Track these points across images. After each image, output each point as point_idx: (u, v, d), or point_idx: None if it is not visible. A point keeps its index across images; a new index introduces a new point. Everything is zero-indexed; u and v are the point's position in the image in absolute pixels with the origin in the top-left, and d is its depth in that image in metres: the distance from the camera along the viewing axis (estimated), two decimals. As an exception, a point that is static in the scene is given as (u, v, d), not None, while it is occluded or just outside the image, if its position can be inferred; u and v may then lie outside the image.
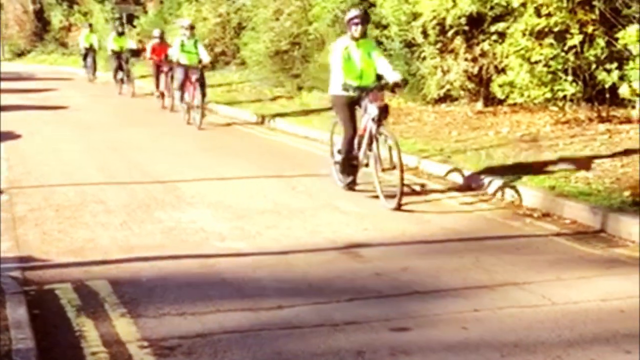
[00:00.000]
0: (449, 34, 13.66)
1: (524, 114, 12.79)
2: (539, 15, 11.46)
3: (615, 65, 10.85)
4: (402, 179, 8.39)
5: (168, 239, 7.50)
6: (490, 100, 13.78)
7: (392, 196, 8.52)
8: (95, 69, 27.23)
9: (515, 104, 12.80)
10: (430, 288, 6.00)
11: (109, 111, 19.25)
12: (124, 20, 30.11)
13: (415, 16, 14.18)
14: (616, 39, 10.42)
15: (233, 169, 10.86)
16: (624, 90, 10.50)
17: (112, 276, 6.34)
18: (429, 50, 14.24)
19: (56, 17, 41.41)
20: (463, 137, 11.87)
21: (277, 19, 19.61)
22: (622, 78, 10.57)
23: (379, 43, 15.91)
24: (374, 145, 8.83)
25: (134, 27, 31.65)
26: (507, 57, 12.18)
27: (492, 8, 12.69)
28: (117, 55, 22.03)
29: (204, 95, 15.51)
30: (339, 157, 9.45)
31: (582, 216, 7.83)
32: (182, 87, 16.05)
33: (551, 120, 11.99)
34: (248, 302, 5.74)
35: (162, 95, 19.09)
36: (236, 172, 10.63)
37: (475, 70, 13.71)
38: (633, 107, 10.33)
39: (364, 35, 9.05)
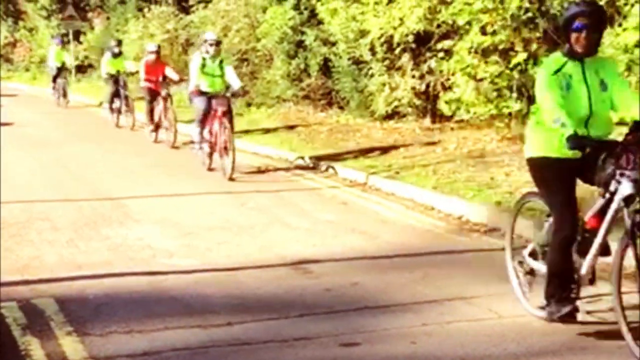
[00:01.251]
0: (397, 51, 13.80)
1: (471, 130, 12.95)
2: (484, 33, 11.65)
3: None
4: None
5: (115, 256, 7.43)
6: (438, 117, 13.93)
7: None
8: (66, 92, 23.35)
9: (462, 121, 12.96)
10: (380, 303, 6.03)
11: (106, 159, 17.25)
12: (70, 37, 29.79)
13: (363, 34, 14.29)
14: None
15: (182, 186, 10.80)
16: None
17: (59, 294, 6.25)
18: (377, 67, 14.36)
19: (1, 33, 40.90)
20: (411, 153, 11.97)
21: (226, 35, 19.57)
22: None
23: (328, 60, 16.04)
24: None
25: (80, 43, 31.35)
26: (453, 74, 12.34)
27: (438, 26, 12.86)
28: (114, 79, 18.37)
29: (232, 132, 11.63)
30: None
31: (528, 231, 7.92)
32: (202, 122, 12.10)
33: (497, 136, 12.16)
34: (197, 319, 5.71)
35: (157, 127, 15.62)
36: (185, 189, 10.57)
37: (423, 87, 13.86)
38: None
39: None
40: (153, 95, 15.59)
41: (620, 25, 9.22)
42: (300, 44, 16.97)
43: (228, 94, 11.86)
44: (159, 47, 16.47)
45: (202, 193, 10.35)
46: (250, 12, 19.21)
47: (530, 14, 11.26)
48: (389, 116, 14.70)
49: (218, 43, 12.48)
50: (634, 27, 8.78)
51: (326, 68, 16.39)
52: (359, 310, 5.89)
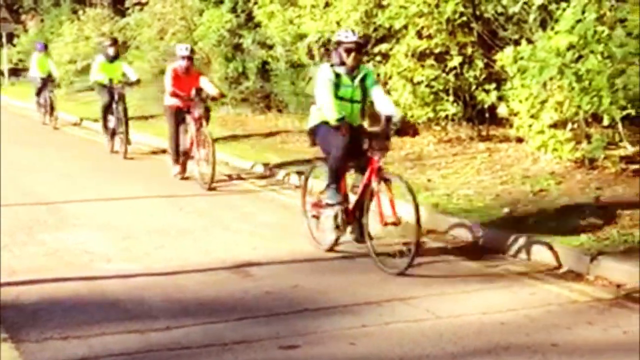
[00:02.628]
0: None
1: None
2: (420, 37, 11.78)
3: (493, 85, 11.24)
4: None
5: (52, 261, 7.32)
6: (377, 120, 14.02)
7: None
8: (53, 108, 18.51)
9: (399, 123, 13.06)
10: (320, 305, 6.07)
11: None
12: (4, 39, 29.22)
13: (301, 37, 14.33)
14: (494, 61, 10.80)
15: (119, 190, 10.69)
16: (502, 110, 10.90)
17: (-6, 301, 6.15)
18: (315, 70, 14.40)
19: None
20: (349, 156, 12.02)
21: (162, 38, 19.46)
22: (500, 98, 10.96)
23: (266, 63, 16.03)
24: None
25: (14, 45, 30.78)
26: (390, 77, 12.45)
27: (375, 30, 12.95)
28: (108, 90, 14.09)
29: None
30: None
31: (464, 232, 8.06)
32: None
33: (434, 139, 12.31)
34: (135, 323, 5.67)
35: (184, 165, 11.54)
36: (123, 193, 10.47)
37: (361, 90, 13.93)
38: (511, 126, 10.71)
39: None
40: (181, 115, 11.35)
41: (552, 29, 9.41)
42: (237, 47, 16.94)
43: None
44: (192, 50, 11.80)
45: (141, 197, 10.27)
46: (186, 14, 19.11)
47: (465, 18, 11.43)
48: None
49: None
50: (566, 31, 8.96)
51: (264, 71, 16.40)
52: (299, 312, 5.92)
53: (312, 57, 14.32)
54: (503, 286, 6.48)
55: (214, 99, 11.56)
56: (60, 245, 7.86)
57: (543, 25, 10.03)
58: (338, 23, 13.13)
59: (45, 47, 19.88)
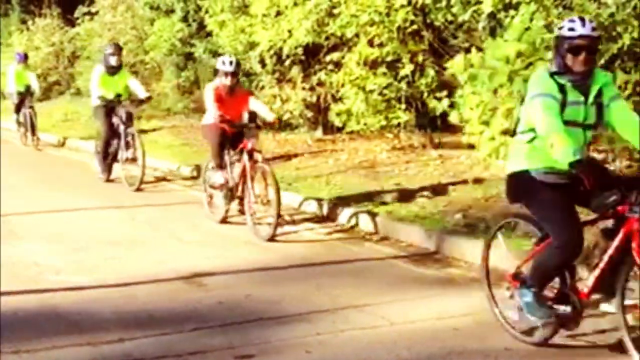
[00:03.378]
0: (286, 63, 13.87)
1: (362, 141, 13.12)
2: (371, 45, 11.83)
3: (445, 93, 11.33)
4: None
5: None
6: (329, 128, 14.06)
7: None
8: (34, 126, 16.42)
9: (353, 132, 13.12)
10: (274, 314, 6.04)
11: None
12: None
13: (252, 46, 14.31)
14: (445, 69, 10.89)
15: (69, 201, 10.54)
16: (453, 118, 10.99)
17: (-61, 316, 6.01)
18: (267, 79, 14.40)
19: None
20: (303, 165, 12.04)
21: (113, 48, 19.28)
22: (451, 106, 11.03)
23: (217, 72, 15.95)
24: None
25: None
26: (343, 86, 12.48)
27: (327, 38, 12.98)
28: (108, 109, 11.67)
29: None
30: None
31: (418, 239, 8.10)
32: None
33: (387, 147, 12.36)
34: (87, 336, 5.59)
35: (231, 200, 9.31)
36: (73, 204, 10.33)
37: (314, 99, 13.97)
38: (463, 133, 10.80)
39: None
40: (226, 144, 9.16)
41: (501, 37, 9.51)
42: (189, 56, 16.86)
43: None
44: (238, 64, 9.31)
45: (92, 208, 10.13)
46: (137, 24, 18.98)
47: (415, 27, 11.51)
48: (280, 128, 14.75)
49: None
50: (515, 39, 9.06)
51: (216, 80, 16.31)
52: (253, 322, 5.88)
53: (264, 65, 14.31)
54: (456, 292, 6.52)
55: (270, 125, 9.67)
56: (9, 257, 7.71)
57: (492, 33, 10.13)
58: (290, 32, 13.15)
59: (26, 57, 17.32)
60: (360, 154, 12.34)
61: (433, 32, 11.56)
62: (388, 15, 11.52)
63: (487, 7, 9.64)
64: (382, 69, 11.87)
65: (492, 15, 9.90)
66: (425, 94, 11.63)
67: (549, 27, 8.96)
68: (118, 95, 11.68)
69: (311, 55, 13.66)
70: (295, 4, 13.15)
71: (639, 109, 8.41)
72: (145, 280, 6.95)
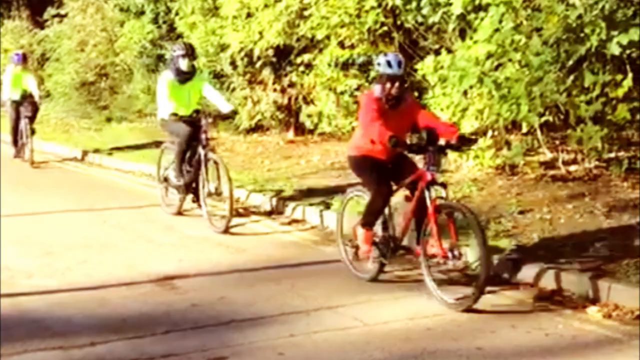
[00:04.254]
0: (257, 65, 13.87)
1: (333, 143, 13.14)
2: (342, 47, 11.87)
3: (415, 94, 11.37)
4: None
5: (-30, 279, 7.12)
6: (301, 130, 14.08)
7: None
8: (28, 137, 13.87)
9: (324, 133, 13.14)
10: (247, 316, 6.04)
11: None
12: None
13: (223, 47, 14.29)
14: (415, 70, 10.94)
15: (40, 204, 10.46)
16: (424, 119, 11.03)
17: None
18: (238, 81, 14.38)
19: None
20: (275, 166, 12.04)
21: (83, 50, 19.17)
22: (423, 106, 11.09)
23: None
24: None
25: None
26: (314, 87, 12.50)
27: (298, 40, 13.00)
28: (187, 124, 9.30)
29: None
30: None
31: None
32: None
33: (358, 148, 12.37)
34: (58, 340, 5.56)
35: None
36: (44, 207, 10.25)
37: (285, 100, 13.98)
38: (433, 134, 10.84)
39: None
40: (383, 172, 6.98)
41: (471, 38, 9.59)
42: (160, 58, 16.79)
43: None
44: (399, 63, 6.73)
45: (62, 211, 10.06)
46: (107, 26, 18.87)
47: (386, 28, 11.56)
48: (252, 129, 14.75)
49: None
50: (484, 40, 9.15)
51: (188, 82, 16.26)
52: (226, 324, 5.88)
53: (235, 67, 14.29)
54: (429, 292, 6.55)
55: (459, 148, 7.27)
56: (-21, 262, 7.65)
57: (462, 34, 10.21)
58: (260, 33, 13.15)
59: (24, 58, 14.77)
60: (332, 155, 12.36)
61: (403, 33, 11.61)
62: (358, 16, 11.57)
63: (456, 8, 9.72)
64: (353, 71, 11.92)
65: (461, 17, 9.98)
66: (396, 95, 11.66)
67: (518, 29, 9.06)
68: (196, 112, 9.33)
69: (282, 57, 13.67)
70: (266, 6, 13.16)
71: (606, 110, 8.57)
72: (117, 284, 6.92)
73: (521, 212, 8.19)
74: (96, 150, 14.96)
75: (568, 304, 6.14)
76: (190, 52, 9.51)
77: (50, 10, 20.58)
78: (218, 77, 15.04)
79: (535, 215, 8.05)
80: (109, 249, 8.17)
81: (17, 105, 14.07)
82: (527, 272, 6.71)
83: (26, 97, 14.04)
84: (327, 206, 9.24)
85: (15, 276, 7.19)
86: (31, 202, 10.64)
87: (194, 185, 9.42)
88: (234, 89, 14.57)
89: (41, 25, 22.23)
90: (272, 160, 12.58)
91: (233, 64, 14.28)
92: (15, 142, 14.33)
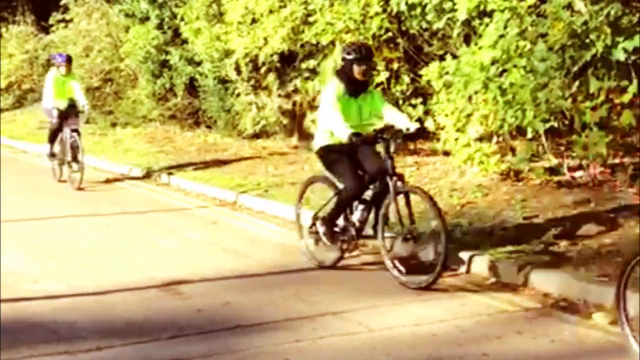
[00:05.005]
0: (262, 70, 13.88)
1: (337, 148, 13.13)
2: (347, 53, 11.86)
3: (420, 100, 11.37)
4: None
5: (-24, 283, 7.13)
6: (305, 135, 14.07)
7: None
8: (76, 156, 11.98)
9: (328, 139, 13.12)
10: (252, 321, 6.04)
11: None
12: None
13: (228, 53, 14.31)
14: (420, 76, 10.94)
15: (46, 209, 10.48)
16: (429, 124, 11.05)
17: None
18: (243, 86, 14.40)
19: None
20: (280, 172, 12.05)
21: (88, 55, 19.18)
22: (427, 112, 11.09)
23: (193, 79, 15.93)
24: None
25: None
26: (318, 93, 12.50)
27: (302, 46, 13.01)
28: (351, 150, 7.19)
29: None
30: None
31: (395, 244, 8.11)
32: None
33: (363, 153, 12.37)
34: (64, 345, 5.57)
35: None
36: (49, 212, 10.26)
37: (289, 106, 13.99)
38: (438, 140, 10.85)
39: None
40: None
41: (476, 44, 9.59)
42: (164, 64, 16.81)
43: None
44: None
45: (67, 216, 10.08)
46: (112, 31, 18.89)
47: (390, 34, 11.56)
48: (256, 135, 14.75)
49: None
50: (489, 46, 9.14)
51: (192, 87, 16.30)
52: (231, 329, 5.88)
53: (239, 73, 14.31)
54: (434, 298, 6.55)
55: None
56: (-16, 267, 7.66)
57: (467, 40, 10.20)
58: (265, 39, 13.16)
59: (69, 60, 12.76)
60: (337, 160, 12.33)
61: (408, 39, 11.61)
62: (363, 22, 11.56)
63: (461, 14, 9.71)
64: (358, 77, 11.90)
65: (466, 23, 9.98)
66: (401, 101, 11.66)
67: (522, 34, 9.05)
68: (381, 131, 7.17)
69: (287, 63, 13.69)
70: (271, 12, 13.17)
71: (612, 116, 8.56)
72: (123, 289, 6.93)
73: (526, 218, 8.17)
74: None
75: (574, 310, 6.12)
76: (365, 56, 7.24)
77: (56, 16, 20.61)
78: (223, 82, 15.07)
79: (540, 221, 8.03)
80: (114, 253, 8.18)
81: (62, 115, 12.21)
82: (532, 278, 6.70)
83: (72, 106, 12.23)
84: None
85: (20, 281, 7.21)
86: (34, 206, 10.65)
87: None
88: (238, 95, 14.59)
89: (46, 31, 22.28)
90: (277, 165, 12.58)
91: (238, 69, 14.30)
92: (53, 156, 12.60)
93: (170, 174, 12.59)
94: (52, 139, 12.47)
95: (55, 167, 12.67)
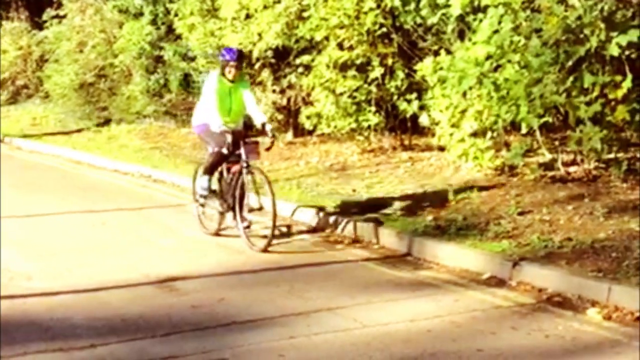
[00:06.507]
0: (256, 66, 13.86)
1: (332, 144, 13.14)
2: (341, 48, 11.86)
3: (414, 95, 11.37)
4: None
5: (-30, 281, 7.12)
6: (300, 131, 14.07)
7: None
8: (243, 200, 8.42)
9: (323, 134, 13.14)
10: (247, 318, 6.04)
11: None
12: None
13: (222, 49, 14.26)
14: (414, 71, 10.94)
15: (40, 206, 10.46)
16: (424, 120, 11.06)
17: None
18: (238, 82, 14.37)
19: None
20: (275, 167, 12.03)
21: (81, 51, 19.13)
22: (422, 108, 11.10)
23: (188, 75, 15.90)
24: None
25: None
26: (313, 89, 12.50)
27: (297, 41, 12.99)
28: None
29: None
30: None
31: (390, 241, 8.14)
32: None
33: (358, 149, 12.39)
34: (59, 342, 5.57)
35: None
36: (43, 209, 10.24)
37: (284, 102, 13.97)
38: (432, 135, 10.85)
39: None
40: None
41: (470, 39, 9.59)
42: (159, 59, 16.77)
43: None
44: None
45: (62, 213, 10.06)
46: (106, 27, 18.83)
47: (385, 29, 11.55)
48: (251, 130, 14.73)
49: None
50: (483, 42, 9.15)
51: (187, 83, 16.26)
52: (226, 326, 5.89)
53: (234, 68, 14.28)
54: (429, 293, 6.56)
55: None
56: (-21, 264, 7.65)
57: (461, 36, 10.20)
58: (259, 35, 13.15)
59: (240, 58, 8.82)
60: (331, 156, 12.36)
61: (402, 35, 11.60)
62: (357, 18, 11.56)
63: (455, 10, 9.72)
64: (352, 72, 11.90)
65: (460, 18, 9.98)
66: (395, 97, 11.67)
67: (517, 30, 9.06)
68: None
69: (281, 58, 13.67)
70: (265, 7, 13.15)
71: (606, 111, 8.57)
72: (118, 286, 6.92)
73: (520, 214, 8.19)
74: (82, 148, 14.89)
75: (568, 305, 6.14)
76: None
77: (49, 12, 20.53)
78: (217, 78, 15.05)
79: (534, 217, 8.04)
80: (109, 250, 8.17)
81: (231, 139, 8.33)
82: (527, 274, 6.71)
83: (248, 126, 8.99)
84: (322, 209, 9.25)
85: (15, 278, 7.19)
86: (29, 203, 10.64)
87: None
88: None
89: (40, 27, 22.20)
90: (272, 161, 12.56)
91: (232, 65, 14.26)
92: (209, 195, 8.74)
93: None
94: (212, 170, 8.72)
95: (207, 213, 8.90)
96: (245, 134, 8.79)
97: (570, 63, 8.62)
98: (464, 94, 9.66)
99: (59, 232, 9.05)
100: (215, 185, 8.81)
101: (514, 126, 9.56)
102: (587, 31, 8.39)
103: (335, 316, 6.05)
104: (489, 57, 9.16)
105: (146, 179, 12.46)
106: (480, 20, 9.38)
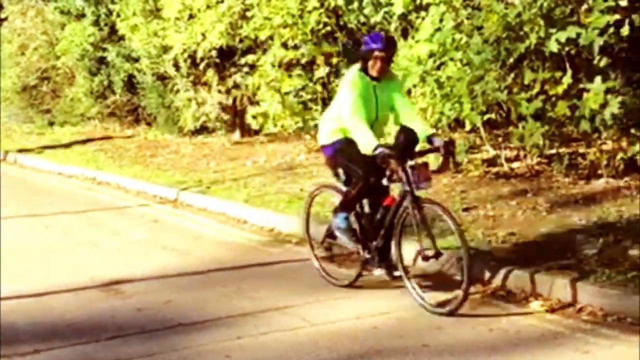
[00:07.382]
0: (201, 66, 13.82)
1: (280, 144, 13.15)
2: (286, 47, 11.89)
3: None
4: None
5: None
6: (247, 131, 14.06)
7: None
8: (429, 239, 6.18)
9: (270, 134, 13.14)
10: (194, 319, 6.01)
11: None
12: None
13: (166, 49, 14.20)
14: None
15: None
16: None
17: None
18: (182, 82, 14.31)
19: None
20: (221, 168, 12.00)
21: (23, 54, 18.89)
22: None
23: (132, 76, 15.76)
24: None
25: None
26: (258, 88, 12.49)
27: (241, 41, 12.98)
28: None
29: None
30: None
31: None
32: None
33: (305, 148, 12.41)
34: (1, 348, 5.46)
35: None
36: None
37: (230, 101, 13.94)
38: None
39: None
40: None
41: (413, 37, 9.67)
42: (102, 61, 16.63)
43: None
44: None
45: (4, 217, 9.89)
46: (48, 29, 18.61)
47: (329, 28, 11.60)
48: (197, 131, 14.69)
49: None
50: (426, 40, 9.23)
51: (131, 84, 16.15)
52: (172, 328, 5.84)
53: (178, 69, 14.22)
54: (376, 291, 6.58)
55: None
56: None
57: (404, 34, 10.28)
58: (203, 35, 13.10)
59: (390, 46, 6.30)
60: (278, 156, 12.36)
61: (346, 33, 11.66)
62: (301, 17, 11.60)
63: (398, 8, 9.79)
64: (297, 71, 11.94)
65: (403, 17, 10.06)
66: (341, 95, 11.71)
67: (458, 28, 9.16)
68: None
69: (226, 58, 13.64)
70: (208, 7, 13.12)
71: (547, 107, 8.70)
72: (61, 290, 6.83)
73: (465, 210, 8.27)
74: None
75: (512, 299, 6.21)
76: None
77: (-11, 14, 20.23)
78: (162, 78, 14.96)
79: (479, 212, 8.14)
80: (53, 254, 8.07)
81: (380, 160, 6.03)
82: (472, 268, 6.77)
83: (413, 140, 6.42)
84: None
85: (-44, 285, 7.06)
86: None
87: None
88: (177, 91, 14.49)
89: (-21, 29, 21.83)
90: (218, 161, 12.53)
91: (176, 65, 14.21)
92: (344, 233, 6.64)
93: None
94: (354, 205, 6.63)
95: (318, 265, 7.03)
96: (411, 152, 6.33)
97: (511, 60, 8.74)
98: (408, 92, 9.73)
99: (1, 237, 8.89)
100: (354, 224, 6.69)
101: (458, 123, 9.66)
102: (526, 28, 8.51)
103: (284, 315, 6.04)
104: (431, 55, 9.25)
105: (91, 181, 12.33)
106: (423, 19, 9.47)
